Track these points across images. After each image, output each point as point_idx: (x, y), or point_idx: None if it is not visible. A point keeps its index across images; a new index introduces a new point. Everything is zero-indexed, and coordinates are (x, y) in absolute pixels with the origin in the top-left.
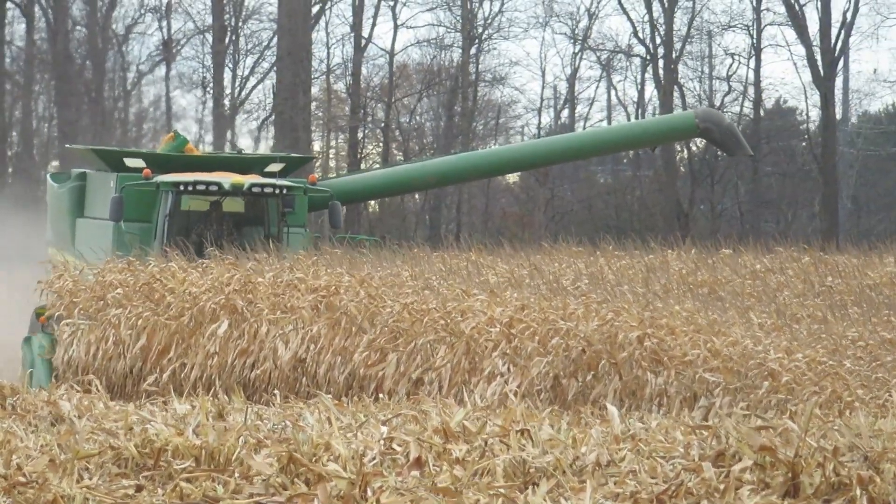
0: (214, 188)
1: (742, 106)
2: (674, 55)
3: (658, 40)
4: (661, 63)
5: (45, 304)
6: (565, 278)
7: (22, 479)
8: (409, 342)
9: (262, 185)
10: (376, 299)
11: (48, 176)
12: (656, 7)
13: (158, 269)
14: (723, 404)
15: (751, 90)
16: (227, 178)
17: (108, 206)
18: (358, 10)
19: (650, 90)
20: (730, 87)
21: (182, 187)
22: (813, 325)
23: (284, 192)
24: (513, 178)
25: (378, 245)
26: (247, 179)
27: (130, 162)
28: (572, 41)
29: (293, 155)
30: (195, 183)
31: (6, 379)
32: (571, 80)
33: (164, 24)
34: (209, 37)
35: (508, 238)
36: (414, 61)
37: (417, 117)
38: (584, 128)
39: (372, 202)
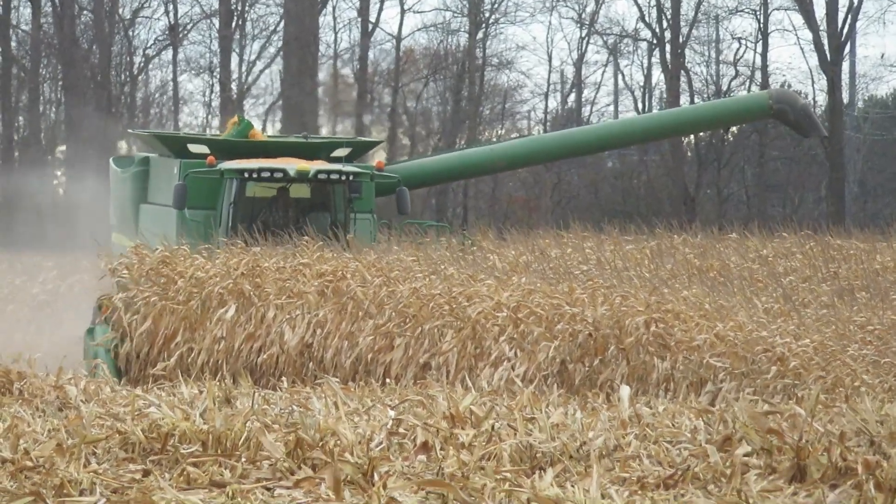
0: (280, 175)
1: (749, 90)
2: (681, 39)
3: (665, 24)
4: (667, 47)
5: (108, 293)
6: (571, 262)
7: (29, 463)
8: (416, 327)
9: (329, 172)
10: (390, 283)
11: (111, 160)
12: None
13: (168, 254)
14: (729, 389)
15: (758, 75)
16: (292, 165)
17: (171, 193)
18: None
19: (657, 74)
20: (737, 71)
21: (247, 174)
22: (820, 309)
23: (351, 178)
24: None
25: (446, 231)
26: (313, 166)
27: (194, 148)
28: (579, 25)
29: (360, 139)
30: (260, 170)
31: (70, 372)
32: (578, 64)
33: (171, 8)
34: (216, 21)
35: (515, 223)
36: (421, 46)
37: (424, 102)
38: (591, 112)
39: None
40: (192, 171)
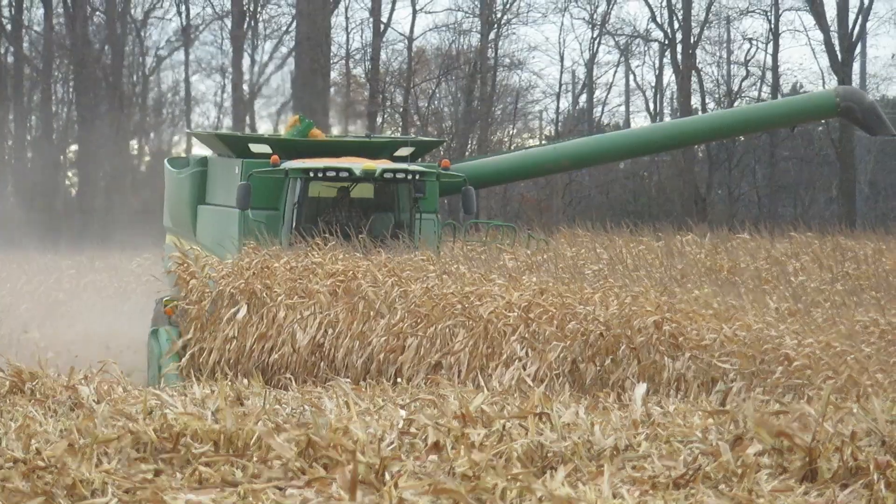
0: (345, 174)
1: (760, 91)
2: (692, 40)
3: (676, 25)
4: (679, 48)
5: (172, 294)
6: (581, 260)
7: (41, 463)
8: (427, 327)
9: (395, 171)
10: (401, 282)
11: (166, 161)
12: None
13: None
14: (740, 389)
15: (768, 75)
16: (357, 164)
17: (232, 193)
18: None
19: (668, 75)
20: (748, 71)
21: (311, 174)
22: (830, 309)
23: (416, 177)
24: None
25: (513, 231)
26: (378, 165)
27: (256, 147)
28: (590, 26)
29: (423, 139)
30: (325, 169)
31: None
32: (589, 64)
33: (183, 9)
34: (228, 22)
35: (527, 223)
36: (432, 46)
37: (436, 102)
38: (603, 112)
39: None
40: (255, 170)
